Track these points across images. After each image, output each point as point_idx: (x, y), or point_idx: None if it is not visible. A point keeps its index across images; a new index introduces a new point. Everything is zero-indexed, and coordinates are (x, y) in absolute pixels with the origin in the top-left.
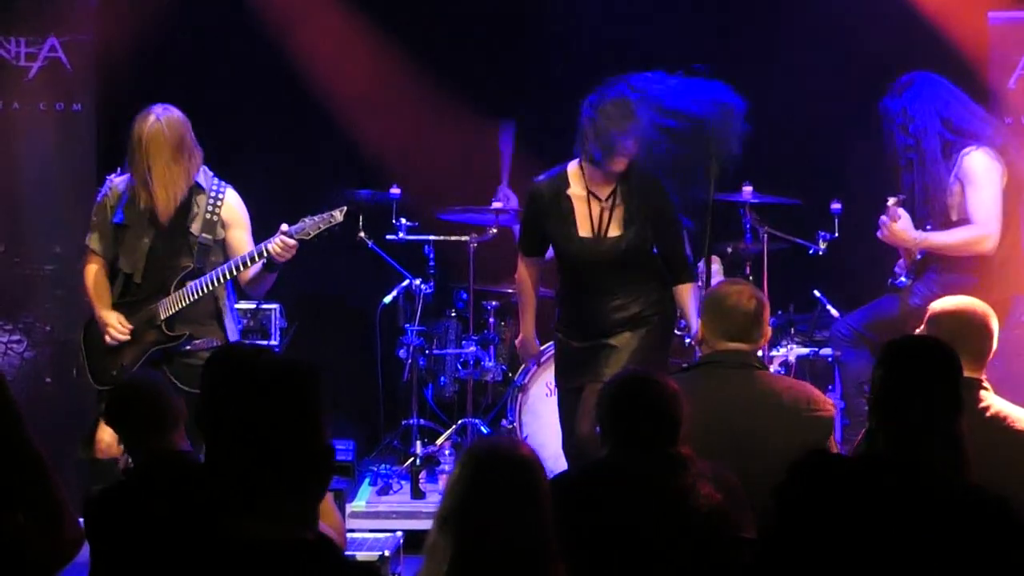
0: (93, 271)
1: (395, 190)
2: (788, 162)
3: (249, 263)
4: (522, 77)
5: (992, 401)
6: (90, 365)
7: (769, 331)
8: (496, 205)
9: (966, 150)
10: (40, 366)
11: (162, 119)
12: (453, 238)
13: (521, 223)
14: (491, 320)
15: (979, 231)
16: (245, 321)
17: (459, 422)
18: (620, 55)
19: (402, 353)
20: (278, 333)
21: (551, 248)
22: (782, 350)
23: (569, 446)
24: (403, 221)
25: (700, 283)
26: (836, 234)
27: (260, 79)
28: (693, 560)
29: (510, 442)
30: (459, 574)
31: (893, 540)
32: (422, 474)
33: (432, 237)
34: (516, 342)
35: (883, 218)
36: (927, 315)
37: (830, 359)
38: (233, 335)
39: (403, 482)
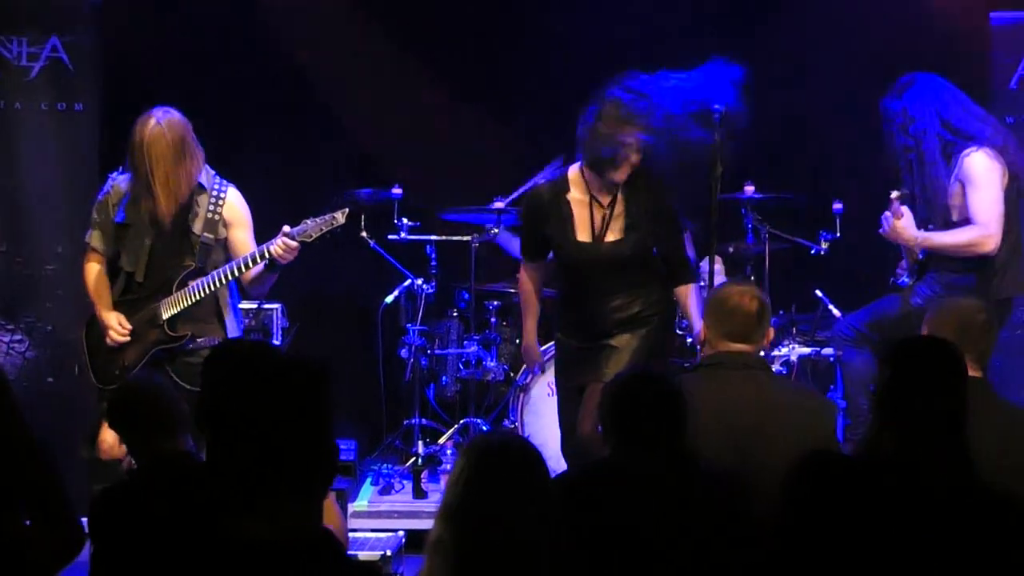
0: (94, 269)
1: (397, 190)
2: (790, 162)
3: (251, 264)
4: (524, 77)
5: (995, 400)
6: (92, 364)
7: (772, 332)
8: (498, 205)
9: (967, 151)
10: (42, 366)
11: (162, 122)
12: (455, 238)
13: (522, 227)
14: (493, 320)
15: (980, 232)
16: (247, 320)
17: (461, 422)
18: (621, 55)
19: (404, 353)
20: (280, 333)
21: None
22: (784, 350)
23: (568, 446)
24: (405, 221)
25: (703, 283)
26: (838, 234)
27: (262, 79)
28: (695, 560)
29: (512, 436)
30: (462, 568)
31: (899, 539)
32: (424, 474)
33: (434, 237)
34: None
35: (886, 214)
36: (927, 315)
37: (832, 359)
38: (235, 334)
39: (405, 482)
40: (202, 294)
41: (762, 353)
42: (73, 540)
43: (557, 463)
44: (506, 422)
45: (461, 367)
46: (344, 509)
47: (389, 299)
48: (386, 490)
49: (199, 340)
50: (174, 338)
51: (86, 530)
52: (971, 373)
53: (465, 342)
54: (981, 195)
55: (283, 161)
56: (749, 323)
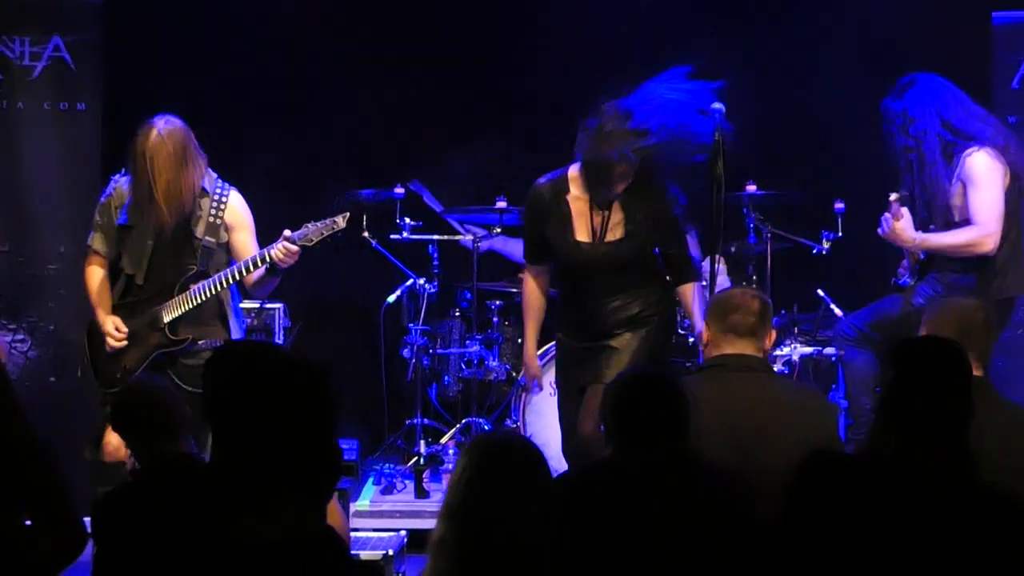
0: (95, 272)
1: (399, 190)
2: (791, 161)
3: (252, 268)
4: (524, 77)
5: (997, 399)
6: (94, 367)
7: (774, 335)
8: (500, 205)
9: (968, 151)
10: (44, 365)
11: (163, 132)
12: (457, 238)
13: (524, 228)
14: (495, 320)
15: (980, 232)
16: (249, 321)
17: (463, 421)
18: (622, 55)
19: (406, 352)
20: (282, 333)
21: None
22: (786, 349)
23: (569, 447)
24: (407, 220)
25: (704, 283)
26: (840, 234)
27: (263, 79)
28: (696, 560)
29: (513, 435)
30: (464, 567)
31: (900, 539)
32: (426, 473)
33: (436, 237)
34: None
35: (886, 215)
36: (926, 316)
37: (834, 358)
38: (237, 335)
39: (407, 481)
40: (203, 297)
41: (763, 355)
42: (75, 540)
43: (559, 463)
44: (508, 422)
45: (463, 367)
46: (346, 509)
47: (391, 299)
48: (388, 490)
49: (201, 342)
50: (175, 341)
51: (88, 530)
52: (973, 372)
53: (467, 342)
54: (981, 195)
55: (284, 161)
56: (751, 326)
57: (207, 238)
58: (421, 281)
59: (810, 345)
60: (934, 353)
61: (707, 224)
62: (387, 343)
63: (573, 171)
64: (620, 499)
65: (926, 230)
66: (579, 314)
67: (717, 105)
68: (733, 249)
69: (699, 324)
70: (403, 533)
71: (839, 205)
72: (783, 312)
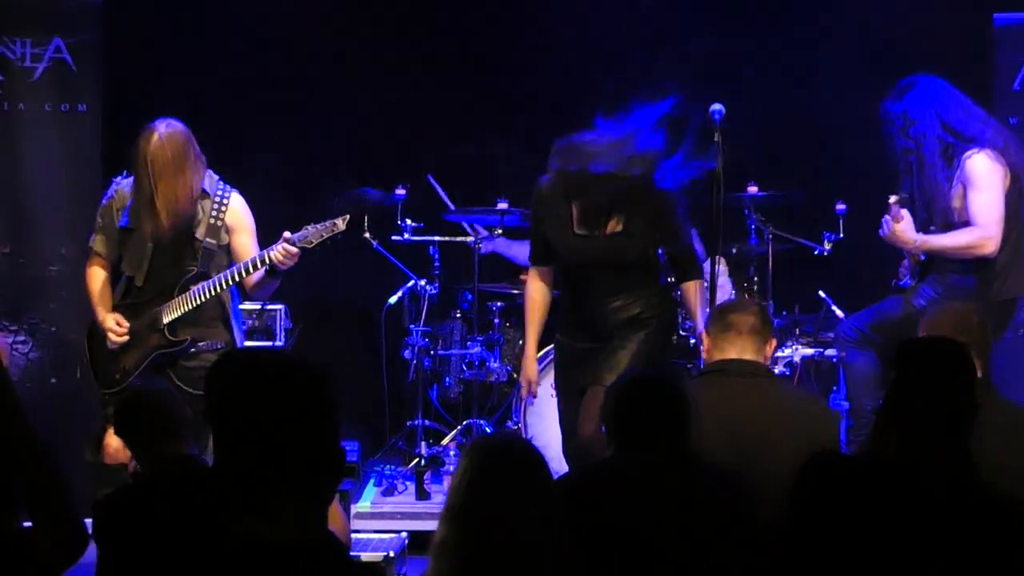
0: (96, 274)
1: (400, 191)
2: (792, 162)
3: (252, 269)
4: (526, 78)
5: (998, 400)
6: (94, 368)
7: (774, 342)
8: (501, 206)
9: (968, 153)
10: (45, 366)
11: (164, 137)
12: (458, 239)
13: (529, 228)
14: (496, 321)
15: (980, 233)
16: (250, 322)
17: (464, 423)
18: (622, 55)
19: (407, 354)
20: (283, 334)
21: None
22: (787, 351)
23: (570, 448)
24: (408, 222)
25: (706, 283)
26: (841, 235)
27: (264, 80)
28: (697, 562)
29: (514, 437)
30: (466, 569)
31: (901, 540)
32: (427, 475)
33: (437, 238)
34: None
35: (886, 217)
36: (923, 321)
37: (835, 360)
38: (238, 336)
39: (408, 483)
40: (203, 299)
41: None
42: (76, 541)
43: (560, 465)
44: (509, 423)
45: (464, 368)
46: (347, 510)
47: (392, 300)
48: (389, 491)
49: (201, 343)
50: (174, 343)
51: (89, 532)
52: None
53: (468, 343)
54: (982, 197)
55: (284, 162)
56: (753, 326)
57: (208, 240)
58: (422, 282)
59: (811, 346)
60: (937, 353)
61: (707, 225)
62: (388, 344)
63: None
64: (621, 500)
65: (927, 232)
66: (579, 314)
67: (717, 106)
68: (734, 250)
69: (701, 325)
70: (404, 535)
71: (840, 206)
72: (784, 313)
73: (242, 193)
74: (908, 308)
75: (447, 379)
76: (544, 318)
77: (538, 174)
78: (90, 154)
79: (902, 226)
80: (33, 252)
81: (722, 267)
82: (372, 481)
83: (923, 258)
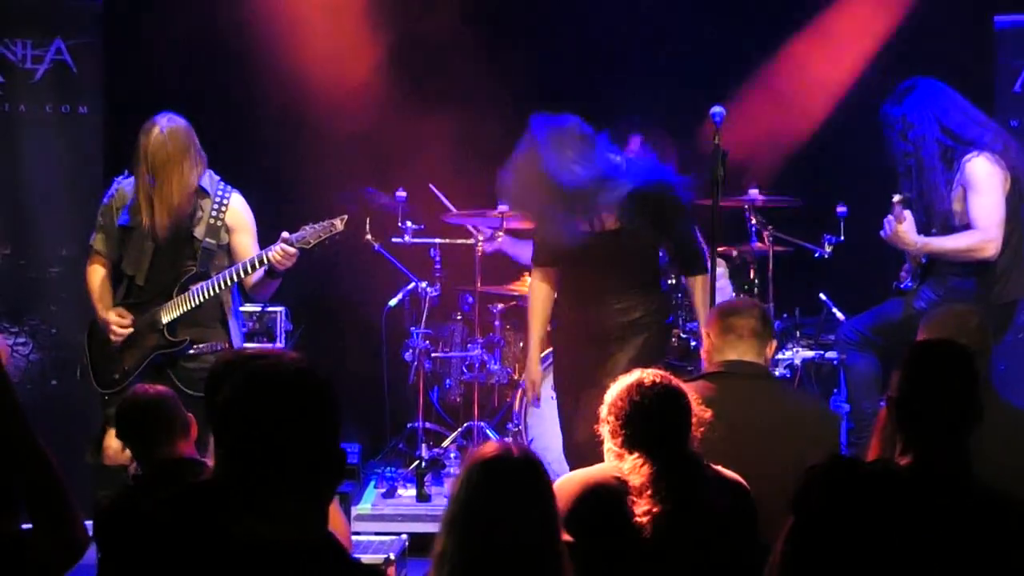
0: (97, 272)
1: (401, 193)
2: (794, 165)
3: (250, 270)
4: (526, 78)
5: (998, 402)
6: (94, 369)
7: (775, 344)
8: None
9: (968, 156)
10: (46, 368)
11: (165, 131)
12: (459, 241)
13: (533, 228)
14: (497, 323)
15: (981, 236)
16: (251, 324)
17: (464, 425)
18: (622, 56)
19: (408, 356)
20: (283, 336)
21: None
22: (788, 353)
23: (570, 449)
24: (409, 224)
25: None
26: (842, 237)
27: (265, 82)
28: (698, 563)
29: (511, 446)
30: None
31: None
32: (427, 477)
33: (438, 240)
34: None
35: (888, 218)
36: (922, 324)
37: (836, 362)
38: (237, 338)
39: (408, 485)
40: (202, 299)
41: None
42: (76, 542)
43: (560, 466)
44: (510, 425)
45: (465, 370)
46: (348, 512)
47: (393, 302)
48: (390, 493)
49: (201, 345)
50: (173, 343)
51: (90, 533)
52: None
53: (469, 345)
54: (982, 200)
55: (285, 163)
56: (754, 332)
57: (207, 240)
58: (423, 284)
59: (812, 349)
60: (944, 357)
61: (707, 226)
62: (389, 346)
63: None
64: (622, 501)
65: (927, 234)
66: (580, 316)
67: (718, 108)
68: (735, 253)
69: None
70: (404, 537)
71: (841, 209)
72: (785, 316)
73: (243, 193)
74: (909, 311)
75: (448, 381)
76: (547, 320)
77: None
78: (91, 155)
79: (904, 227)
80: (33, 253)
81: (722, 269)
82: (372, 483)
83: (924, 261)
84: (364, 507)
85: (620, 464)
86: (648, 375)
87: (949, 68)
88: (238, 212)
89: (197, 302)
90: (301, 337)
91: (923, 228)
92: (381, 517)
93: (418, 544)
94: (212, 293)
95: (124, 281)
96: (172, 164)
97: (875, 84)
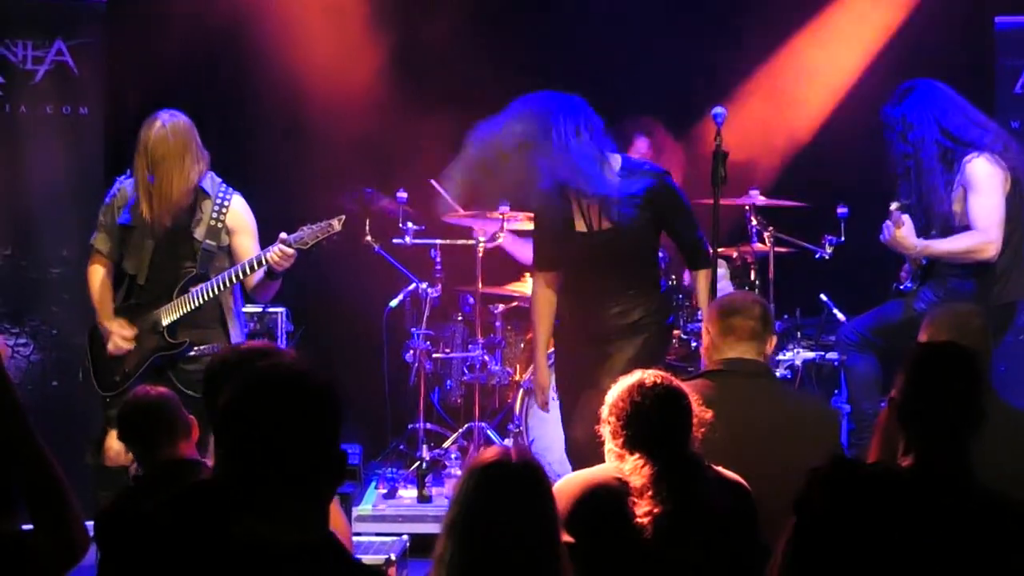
0: (98, 272)
1: (402, 194)
2: (795, 166)
3: (248, 271)
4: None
5: (998, 404)
6: (95, 371)
7: (775, 339)
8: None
9: (968, 157)
10: (47, 369)
11: (167, 125)
12: (460, 242)
13: (533, 231)
14: (497, 324)
15: (981, 238)
16: (252, 325)
17: (465, 426)
18: (621, 57)
19: (408, 357)
20: (284, 337)
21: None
22: (788, 354)
23: (572, 448)
24: (410, 225)
25: None
26: (843, 238)
27: (265, 83)
28: (699, 564)
29: (511, 451)
30: None
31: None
32: (428, 478)
33: (439, 241)
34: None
35: (887, 223)
36: (924, 322)
37: (836, 363)
38: (239, 339)
39: (409, 486)
40: (201, 300)
41: (765, 360)
42: (77, 543)
43: (563, 466)
44: (511, 426)
45: (465, 371)
46: (349, 513)
47: (394, 303)
48: (391, 494)
49: (202, 347)
50: (173, 345)
51: (91, 533)
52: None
53: (470, 346)
54: (982, 201)
55: (286, 164)
56: (754, 329)
57: (207, 241)
58: (424, 285)
59: (813, 350)
60: (950, 359)
61: (707, 227)
62: (390, 347)
63: None
64: (623, 501)
65: (927, 236)
66: (580, 316)
67: (719, 109)
68: (735, 254)
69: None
70: (405, 537)
71: (842, 210)
72: (786, 317)
73: (243, 194)
74: (909, 312)
75: (448, 382)
76: (552, 325)
77: None
78: (91, 156)
79: (903, 232)
80: (34, 254)
81: (723, 270)
82: (373, 484)
83: (924, 262)
84: (365, 508)
85: (621, 465)
86: (649, 376)
87: (949, 69)
88: (239, 214)
89: (197, 304)
90: (302, 338)
91: (923, 230)
92: (382, 518)
93: (419, 545)
94: (211, 295)
95: (125, 281)
96: (172, 158)
97: (876, 85)
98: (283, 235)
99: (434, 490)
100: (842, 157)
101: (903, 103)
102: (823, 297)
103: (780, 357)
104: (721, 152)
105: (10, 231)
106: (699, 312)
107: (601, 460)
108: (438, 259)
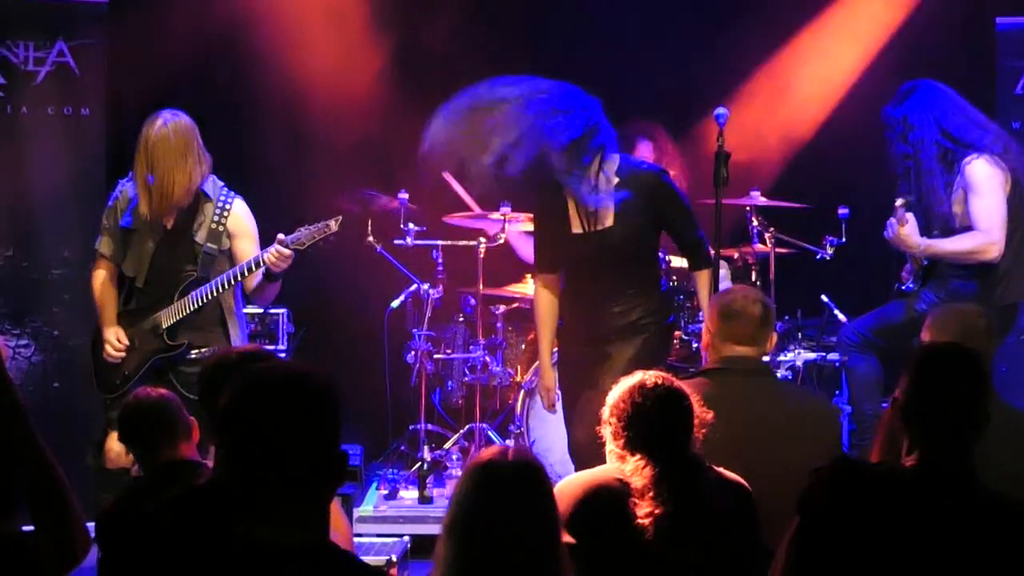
0: (101, 277)
1: (403, 195)
2: (796, 167)
3: (247, 273)
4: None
5: (1000, 405)
6: (96, 373)
7: (775, 337)
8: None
9: (968, 158)
10: (48, 370)
11: (169, 124)
12: (461, 243)
13: (534, 233)
14: (499, 325)
15: (983, 238)
16: (253, 326)
17: (466, 427)
18: (621, 56)
19: (410, 358)
20: (286, 338)
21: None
22: (790, 355)
23: (574, 448)
24: (411, 226)
25: None
26: (844, 239)
27: (268, 84)
28: (700, 565)
29: (510, 451)
30: None
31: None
32: (429, 479)
33: (440, 242)
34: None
35: (891, 220)
36: (927, 322)
37: (837, 364)
38: (238, 342)
39: (410, 486)
40: (202, 302)
41: (766, 358)
42: (79, 544)
43: (564, 467)
44: (512, 427)
45: (467, 372)
46: (350, 514)
47: (395, 304)
48: (392, 495)
49: (203, 349)
50: (173, 347)
51: (92, 534)
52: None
53: (471, 347)
54: (983, 202)
55: (288, 167)
56: (754, 327)
57: (208, 244)
58: (425, 286)
59: (814, 351)
60: (954, 361)
61: (708, 228)
62: (391, 348)
63: None
64: (624, 502)
65: (929, 236)
66: (581, 316)
67: (721, 110)
68: (736, 254)
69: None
70: (406, 538)
71: (843, 210)
72: (787, 317)
73: (244, 195)
74: (911, 313)
75: (450, 383)
76: (555, 327)
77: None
78: (93, 157)
79: (907, 230)
80: (36, 256)
81: (724, 271)
82: (375, 485)
83: (925, 263)
84: (366, 509)
85: (622, 466)
86: (650, 377)
87: (950, 69)
88: (240, 218)
89: (196, 306)
90: (303, 339)
91: (923, 230)
92: (383, 519)
93: (420, 546)
94: (211, 297)
95: (128, 285)
96: (173, 156)
97: (876, 85)
98: (280, 236)
99: (435, 491)
100: (843, 158)
101: (904, 104)
102: (824, 298)
103: (781, 358)
104: (723, 153)
105: (11, 232)
106: (700, 313)
107: (603, 461)
108: (439, 260)
